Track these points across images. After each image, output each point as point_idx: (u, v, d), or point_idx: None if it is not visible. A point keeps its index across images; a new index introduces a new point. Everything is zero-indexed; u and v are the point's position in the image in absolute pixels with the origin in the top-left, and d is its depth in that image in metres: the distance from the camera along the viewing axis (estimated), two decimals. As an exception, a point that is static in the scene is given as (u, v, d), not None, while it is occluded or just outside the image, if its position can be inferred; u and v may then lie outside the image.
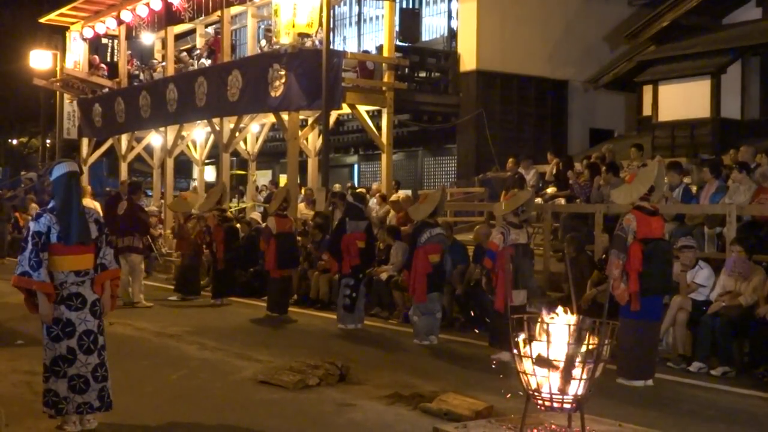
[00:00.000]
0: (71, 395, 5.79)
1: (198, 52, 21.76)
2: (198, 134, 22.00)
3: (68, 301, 5.79)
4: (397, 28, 18.98)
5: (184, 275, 14.24)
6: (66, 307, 5.78)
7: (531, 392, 4.96)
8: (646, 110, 18.56)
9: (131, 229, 12.88)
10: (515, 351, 5.00)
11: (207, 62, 20.72)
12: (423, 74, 20.18)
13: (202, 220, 14.01)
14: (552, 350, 4.83)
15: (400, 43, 19.34)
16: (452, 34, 20.52)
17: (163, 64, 22.19)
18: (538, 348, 4.87)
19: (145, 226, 13.97)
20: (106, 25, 23.57)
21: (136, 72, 23.64)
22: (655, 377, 7.93)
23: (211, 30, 22.16)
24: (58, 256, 5.73)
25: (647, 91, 18.27)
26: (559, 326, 4.88)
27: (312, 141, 18.96)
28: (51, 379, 5.80)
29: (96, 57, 25.15)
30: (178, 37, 23.67)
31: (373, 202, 16.38)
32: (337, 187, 17.41)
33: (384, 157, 17.75)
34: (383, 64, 17.86)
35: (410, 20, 20.56)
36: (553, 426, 5.17)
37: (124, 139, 23.62)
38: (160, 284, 15.54)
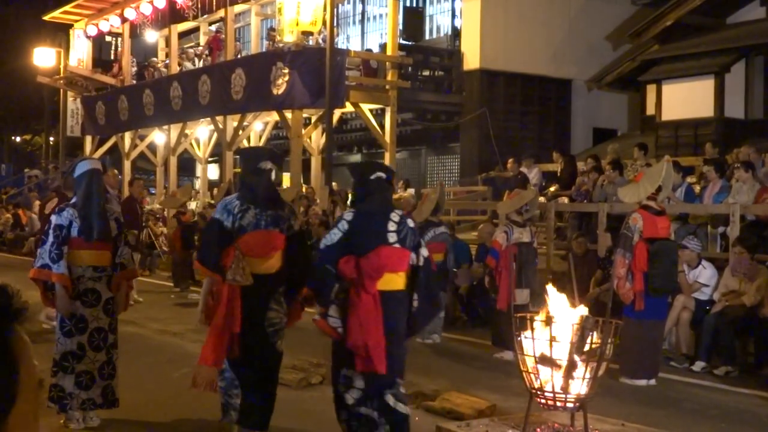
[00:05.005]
0: (76, 391, 5.81)
1: (200, 49, 21.76)
2: (201, 132, 22.01)
3: (84, 297, 5.83)
4: (400, 27, 18.97)
5: (173, 270, 14.77)
6: (81, 303, 5.82)
7: (534, 391, 4.95)
8: (650, 109, 18.55)
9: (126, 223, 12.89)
10: (518, 350, 4.99)
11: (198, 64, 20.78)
12: (426, 73, 20.18)
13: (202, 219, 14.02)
14: (555, 349, 4.82)
15: (404, 42, 19.34)
16: (456, 33, 20.52)
17: (167, 62, 22.20)
18: (540, 347, 4.86)
19: (137, 219, 13.88)
20: (110, 22, 23.61)
21: (137, 68, 23.65)
22: (658, 376, 7.92)
23: (213, 28, 22.18)
24: (78, 251, 5.80)
25: (651, 90, 18.26)
26: (562, 325, 4.87)
27: (315, 139, 18.96)
28: (59, 374, 5.82)
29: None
30: (182, 35, 23.68)
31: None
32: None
33: (387, 155, 17.74)
34: (387, 63, 17.85)
35: (414, 19, 20.58)
36: (556, 425, 5.16)
37: (128, 136, 23.65)
38: (163, 281, 15.53)
